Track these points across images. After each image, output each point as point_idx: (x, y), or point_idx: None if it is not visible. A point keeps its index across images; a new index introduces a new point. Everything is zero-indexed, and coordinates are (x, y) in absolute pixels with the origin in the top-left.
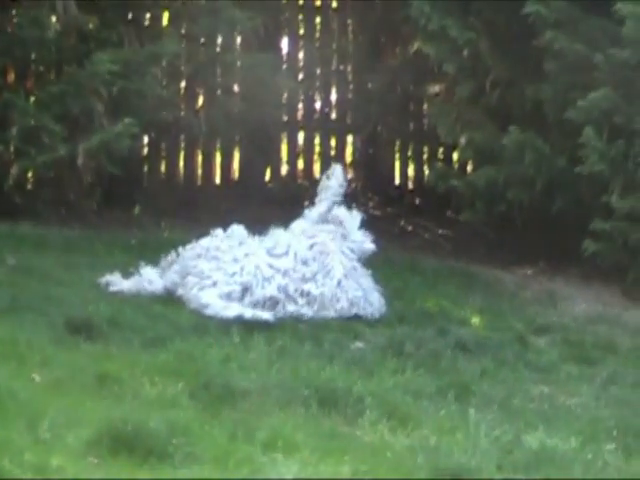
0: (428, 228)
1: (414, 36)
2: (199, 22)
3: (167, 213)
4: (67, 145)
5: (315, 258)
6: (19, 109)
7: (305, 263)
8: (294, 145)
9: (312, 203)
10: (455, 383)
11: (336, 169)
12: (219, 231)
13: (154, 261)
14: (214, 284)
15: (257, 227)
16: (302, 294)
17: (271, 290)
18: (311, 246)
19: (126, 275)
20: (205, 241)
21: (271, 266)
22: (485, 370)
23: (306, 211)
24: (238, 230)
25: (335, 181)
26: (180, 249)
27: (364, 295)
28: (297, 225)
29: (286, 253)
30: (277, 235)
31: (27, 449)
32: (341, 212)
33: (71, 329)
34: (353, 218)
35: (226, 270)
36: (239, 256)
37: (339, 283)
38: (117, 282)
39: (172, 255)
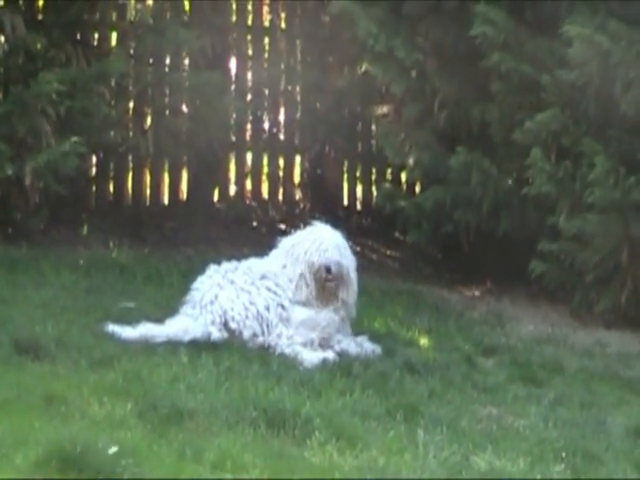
0: (375, 249)
1: (362, 57)
2: (146, 42)
3: (115, 233)
4: (14, 165)
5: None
6: None
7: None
8: (242, 165)
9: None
10: (403, 404)
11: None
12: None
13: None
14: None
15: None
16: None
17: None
18: None
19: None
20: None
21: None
22: (433, 391)
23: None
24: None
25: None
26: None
27: None
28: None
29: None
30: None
31: None
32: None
33: (18, 349)
34: None
35: None
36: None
37: None
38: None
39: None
